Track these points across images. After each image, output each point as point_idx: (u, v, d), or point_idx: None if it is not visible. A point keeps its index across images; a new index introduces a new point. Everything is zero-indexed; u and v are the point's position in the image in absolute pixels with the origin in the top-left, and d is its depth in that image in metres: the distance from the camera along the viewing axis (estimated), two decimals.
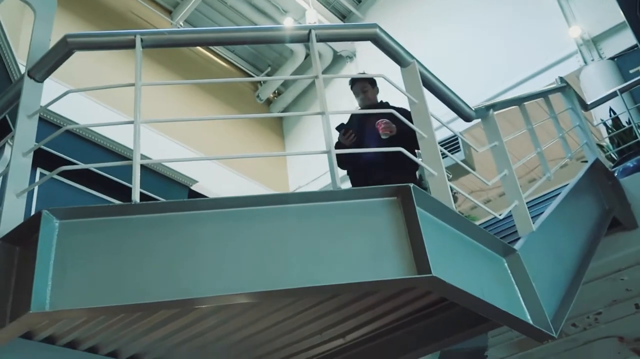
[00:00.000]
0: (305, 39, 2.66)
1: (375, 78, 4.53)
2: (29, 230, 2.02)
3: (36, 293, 1.86)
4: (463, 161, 6.89)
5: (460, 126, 5.98)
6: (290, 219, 2.13)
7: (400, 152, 3.48)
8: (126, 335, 2.74)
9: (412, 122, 3.63)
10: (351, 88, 4.53)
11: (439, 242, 2.21)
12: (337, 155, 3.95)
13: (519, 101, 4.09)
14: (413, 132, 3.53)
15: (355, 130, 4.19)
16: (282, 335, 2.90)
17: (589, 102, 5.66)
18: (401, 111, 4.02)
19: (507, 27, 8.53)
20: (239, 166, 8.48)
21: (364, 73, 4.35)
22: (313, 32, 2.63)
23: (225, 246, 2.07)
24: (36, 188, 5.01)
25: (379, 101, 4.55)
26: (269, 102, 10.81)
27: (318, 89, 2.47)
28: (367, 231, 2.16)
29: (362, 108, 4.50)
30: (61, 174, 4.94)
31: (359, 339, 3.07)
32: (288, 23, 9.79)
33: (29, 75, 2.55)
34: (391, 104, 4.39)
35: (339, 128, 4.20)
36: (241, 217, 2.14)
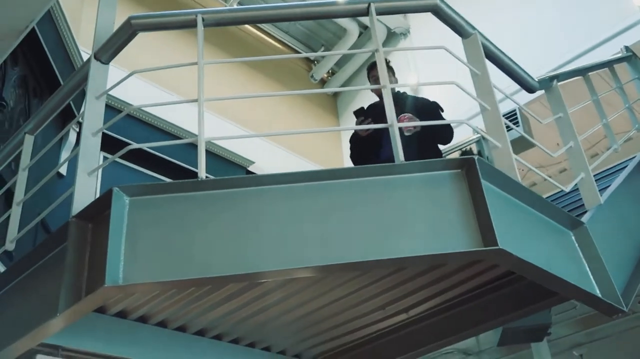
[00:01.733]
0: (364, 13, 2.63)
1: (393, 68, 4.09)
2: (101, 207, 2.09)
3: (110, 268, 1.92)
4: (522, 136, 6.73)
5: (520, 99, 5.84)
6: (353, 192, 2.14)
7: (423, 150, 3.47)
8: (193, 310, 2.81)
9: (434, 114, 3.69)
10: (368, 74, 4.13)
11: (505, 214, 2.17)
12: (353, 149, 3.94)
13: (583, 72, 3.97)
14: (437, 127, 3.55)
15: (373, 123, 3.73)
16: (345, 310, 2.92)
17: None
18: (423, 102, 3.92)
19: None
20: (294, 145, 8.52)
21: (388, 62, 3.97)
22: (372, 6, 2.60)
23: (289, 221, 2.09)
24: (100, 171, 5.15)
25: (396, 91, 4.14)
26: (322, 82, 10.79)
27: (378, 62, 2.46)
28: (431, 204, 2.14)
29: (379, 96, 4.01)
30: (125, 157, 5.09)
31: (422, 315, 3.06)
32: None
33: (95, 57, 2.61)
34: (408, 93, 4.15)
35: (357, 113, 3.87)
36: (304, 192, 2.15)
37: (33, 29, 4.41)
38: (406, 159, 2.21)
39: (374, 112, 3.67)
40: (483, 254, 2.04)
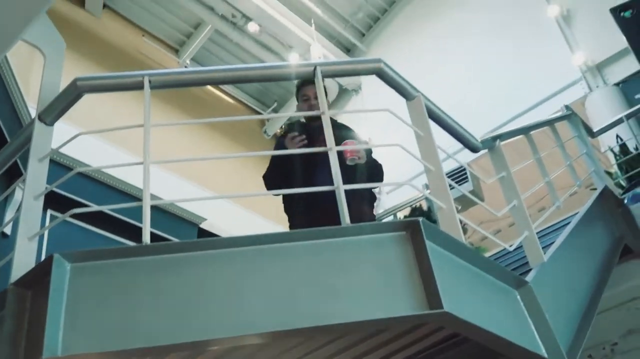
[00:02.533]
0: (311, 76, 2.69)
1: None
2: (40, 274, 2.03)
3: (48, 338, 1.86)
4: (472, 191, 6.87)
5: (467, 155, 5.99)
6: (299, 257, 2.13)
7: (359, 179, 3.26)
8: None
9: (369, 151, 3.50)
10: (299, 90, 3.65)
11: (450, 276, 2.20)
12: (274, 169, 3.49)
13: (525, 131, 4.10)
14: (373, 165, 3.42)
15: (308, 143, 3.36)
16: None
17: (595, 129, 5.66)
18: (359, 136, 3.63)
19: (510, 56, 8.59)
20: (246, 202, 8.50)
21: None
22: (318, 69, 2.66)
23: (234, 287, 2.06)
24: (47, 231, 5.04)
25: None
26: (275, 137, 10.88)
27: (325, 125, 2.49)
28: (377, 267, 2.15)
29: (307, 120, 3.65)
30: (72, 215, 4.98)
31: None
32: (293, 58, 9.89)
33: (39, 119, 2.58)
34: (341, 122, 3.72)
35: (288, 128, 3.51)
36: (249, 256, 2.14)
37: None
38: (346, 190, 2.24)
39: (307, 134, 3.42)
40: (428, 317, 2.05)
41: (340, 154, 3.07)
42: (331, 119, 3.59)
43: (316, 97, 3.36)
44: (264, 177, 3.67)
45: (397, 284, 2.09)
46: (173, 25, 10.04)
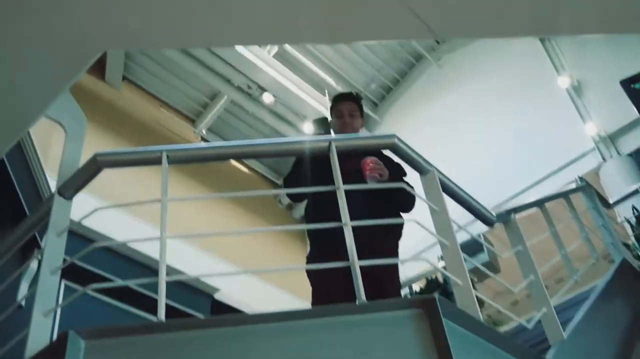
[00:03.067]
0: (326, 150, 2.72)
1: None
2: (55, 352, 2.02)
3: None
4: (488, 262, 6.82)
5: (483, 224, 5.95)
6: (314, 334, 2.11)
7: (385, 207, 3.00)
8: None
9: (399, 174, 3.19)
10: (334, 104, 3.51)
11: (467, 354, 2.17)
12: (298, 180, 3.09)
13: (539, 203, 4.10)
14: (401, 191, 2.93)
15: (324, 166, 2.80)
16: None
17: (610, 200, 5.65)
18: (387, 158, 3.30)
19: (522, 126, 8.65)
20: (266, 276, 8.48)
21: (356, 94, 3.58)
22: (333, 144, 2.70)
23: None
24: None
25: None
26: (290, 207, 10.92)
27: (340, 204, 2.49)
28: (393, 346, 2.12)
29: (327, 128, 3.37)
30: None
31: None
32: (308, 128, 10.02)
33: (58, 193, 2.62)
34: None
35: (319, 122, 3.29)
36: (264, 334, 2.12)
37: None
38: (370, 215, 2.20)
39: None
40: None
41: (361, 173, 3.00)
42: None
43: (350, 115, 3.40)
44: (285, 180, 3.37)
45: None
46: (190, 96, 10.27)
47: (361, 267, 2.31)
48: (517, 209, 3.50)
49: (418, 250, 7.70)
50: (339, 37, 2.98)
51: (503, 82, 9.10)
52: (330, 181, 2.60)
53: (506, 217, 3.35)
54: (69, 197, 2.64)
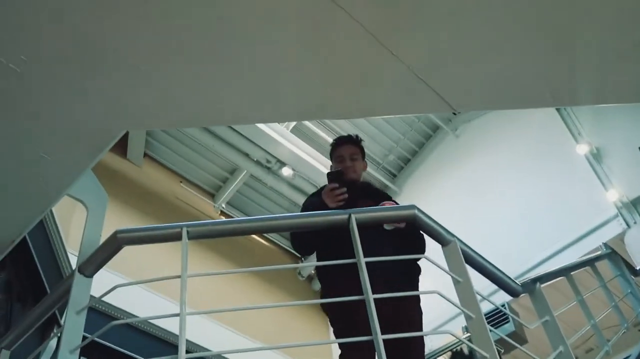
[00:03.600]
0: (345, 224, 2.71)
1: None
2: None
3: None
4: (513, 332, 6.65)
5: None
6: None
7: (402, 249, 2.91)
8: None
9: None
10: (334, 149, 3.42)
11: None
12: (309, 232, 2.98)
13: (565, 272, 4.03)
14: (415, 233, 2.95)
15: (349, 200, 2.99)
16: None
17: (637, 267, 5.53)
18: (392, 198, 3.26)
19: (543, 194, 8.59)
20: (288, 349, 8.33)
21: (356, 137, 3.50)
22: (353, 217, 2.69)
23: None
24: None
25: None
26: (310, 278, 10.83)
27: (361, 275, 2.47)
28: None
29: (340, 180, 3.08)
30: None
31: None
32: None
33: (79, 271, 2.63)
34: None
35: (332, 175, 3.08)
36: None
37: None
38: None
39: (350, 191, 3.03)
40: None
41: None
42: (366, 183, 3.47)
43: (352, 159, 3.33)
44: (292, 234, 3.25)
45: None
46: (210, 171, 10.39)
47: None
48: (542, 279, 3.44)
49: (442, 320, 7.55)
50: (359, 113, 3.02)
51: (521, 149, 9.12)
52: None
53: (531, 286, 3.29)
54: (90, 275, 2.65)
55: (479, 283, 2.75)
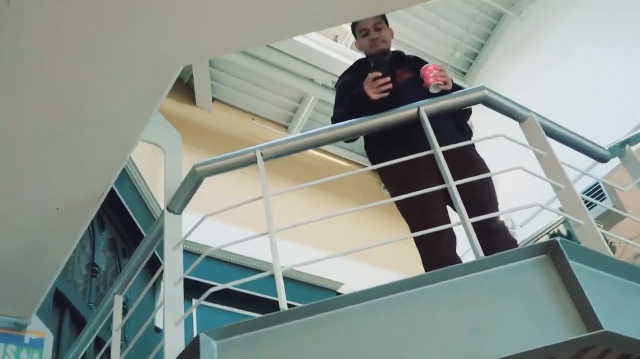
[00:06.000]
0: (415, 117, 2.67)
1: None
2: (191, 355, 2.09)
3: None
4: (609, 211, 6.43)
5: (600, 173, 5.61)
6: (438, 297, 2.06)
7: (459, 124, 2.99)
8: None
9: None
10: (355, 27, 3.25)
11: (603, 294, 2.04)
12: (350, 113, 2.85)
13: None
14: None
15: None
16: None
17: None
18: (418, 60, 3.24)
19: (627, 65, 8.09)
20: (378, 259, 8.42)
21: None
22: (422, 109, 2.64)
23: (378, 340, 2.02)
24: (195, 319, 5.25)
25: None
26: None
27: (440, 167, 2.44)
28: (521, 296, 2.04)
29: (372, 55, 3.17)
30: (213, 300, 5.16)
31: None
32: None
33: (168, 210, 2.73)
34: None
35: (374, 63, 2.93)
36: (388, 306, 2.09)
37: (114, 192, 4.70)
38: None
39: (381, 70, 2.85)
40: (588, 340, 1.89)
41: (421, 83, 2.87)
42: (397, 52, 3.32)
43: (376, 29, 3.18)
44: (334, 120, 3.15)
45: (547, 311, 1.96)
46: (279, 104, 10.42)
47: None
48: (631, 140, 3.28)
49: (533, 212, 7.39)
50: None
51: (597, 18, 8.56)
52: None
53: (620, 150, 3.16)
54: (179, 212, 2.74)
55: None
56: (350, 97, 3.00)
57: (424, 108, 2.66)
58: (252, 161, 2.66)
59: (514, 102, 2.74)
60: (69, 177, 2.90)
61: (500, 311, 2.00)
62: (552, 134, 2.78)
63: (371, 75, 2.83)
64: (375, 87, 2.81)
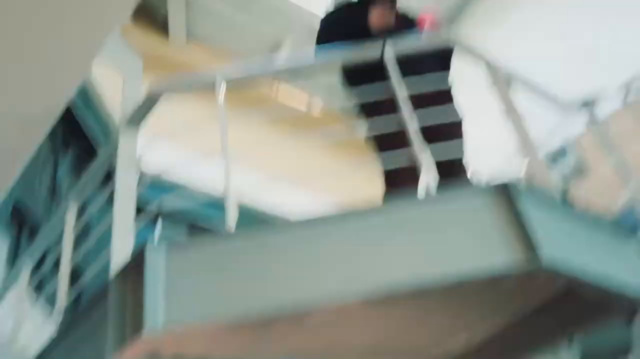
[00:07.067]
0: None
1: None
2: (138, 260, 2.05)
3: (148, 314, 1.87)
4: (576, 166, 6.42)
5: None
6: (386, 220, 2.07)
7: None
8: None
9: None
10: None
11: (547, 228, 2.06)
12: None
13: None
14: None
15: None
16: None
17: None
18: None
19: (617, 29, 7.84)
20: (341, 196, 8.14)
21: None
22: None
23: (325, 254, 2.04)
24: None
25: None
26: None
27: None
28: (468, 226, 2.07)
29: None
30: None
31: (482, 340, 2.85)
32: None
33: (123, 124, 2.70)
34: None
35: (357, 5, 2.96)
36: (336, 232, 2.09)
37: (78, 118, 4.62)
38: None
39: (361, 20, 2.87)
40: (528, 270, 1.93)
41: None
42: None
43: None
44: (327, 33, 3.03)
45: (491, 238, 1.99)
46: (258, 43, 10.15)
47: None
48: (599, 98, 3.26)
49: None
50: None
51: None
52: None
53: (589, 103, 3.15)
54: (134, 126, 2.70)
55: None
56: (345, 28, 2.94)
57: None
58: (212, 86, 2.61)
59: (476, 46, 2.75)
60: (25, 91, 2.87)
61: (447, 237, 2.02)
62: (514, 78, 2.78)
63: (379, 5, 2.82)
64: (380, 16, 2.82)
